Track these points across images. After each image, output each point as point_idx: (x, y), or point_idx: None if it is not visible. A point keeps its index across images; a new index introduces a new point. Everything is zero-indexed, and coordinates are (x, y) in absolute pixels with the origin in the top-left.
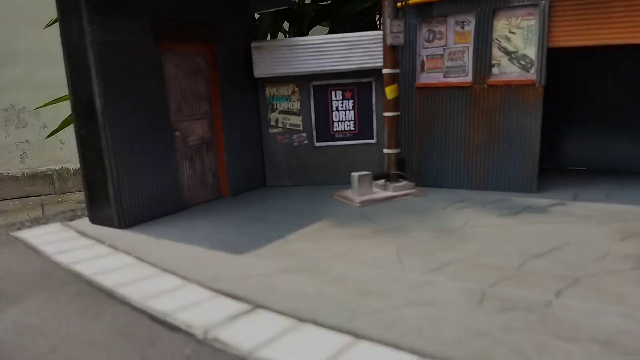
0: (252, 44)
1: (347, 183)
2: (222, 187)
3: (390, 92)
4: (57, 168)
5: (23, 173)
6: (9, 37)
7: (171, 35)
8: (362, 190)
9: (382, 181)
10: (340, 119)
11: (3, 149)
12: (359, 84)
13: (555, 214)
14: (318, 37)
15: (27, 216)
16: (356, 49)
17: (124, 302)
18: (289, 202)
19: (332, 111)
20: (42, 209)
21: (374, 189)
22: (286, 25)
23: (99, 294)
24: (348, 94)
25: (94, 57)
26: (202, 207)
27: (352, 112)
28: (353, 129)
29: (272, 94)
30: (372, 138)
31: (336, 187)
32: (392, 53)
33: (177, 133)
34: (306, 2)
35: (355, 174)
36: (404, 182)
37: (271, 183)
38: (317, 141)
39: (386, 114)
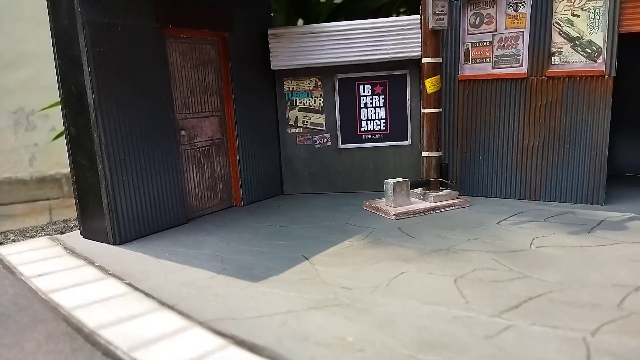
0: (270, 31)
1: (376, 191)
2: (234, 195)
3: (430, 85)
4: (65, 172)
5: (31, 176)
6: (19, 39)
7: (177, 18)
8: (398, 200)
9: (419, 190)
10: (370, 117)
11: (12, 151)
12: (391, 76)
13: (638, 231)
14: (345, 23)
15: (23, 224)
16: (389, 37)
17: (107, 353)
18: (311, 214)
19: (360, 108)
20: (50, 213)
21: (412, 199)
22: (300, 23)
23: (77, 337)
24: (378, 89)
25: (85, 42)
26: (211, 219)
27: (382, 109)
28: (384, 128)
29: (291, 89)
30: (406, 139)
31: (364, 196)
32: (434, 39)
33: (183, 132)
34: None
35: (389, 182)
36: (446, 191)
37: (289, 190)
38: (342, 143)
39: (425, 110)
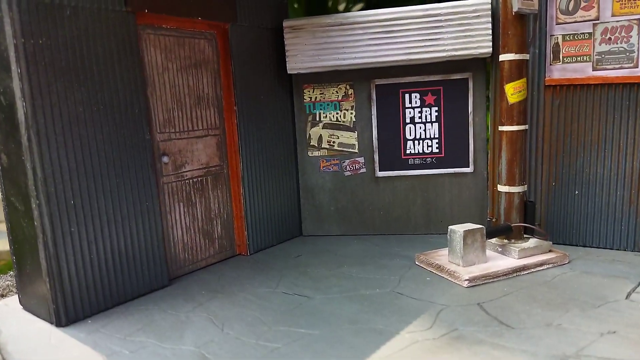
0: (286, 23)
1: (425, 233)
2: (237, 241)
3: (514, 91)
4: None
5: None
6: None
7: (157, 1)
8: (469, 256)
9: (494, 239)
10: (418, 136)
11: None
12: (447, 82)
13: None
14: (387, 11)
15: None
16: (447, 27)
17: None
18: (341, 271)
19: (405, 124)
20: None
21: (488, 253)
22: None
23: None
24: (430, 98)
25: (14, 30)
26: (204, 278)
27: (435, 125)
28: (437, 151)
29: (314, 99)
30: (467, 165)
31: (410, 241)
32: (520, 27)
33: (166, 159)
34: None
35: (457, 230)
36: (533, 241)
37: (310, 231)
38: (380, 169)
39: (505, 127)
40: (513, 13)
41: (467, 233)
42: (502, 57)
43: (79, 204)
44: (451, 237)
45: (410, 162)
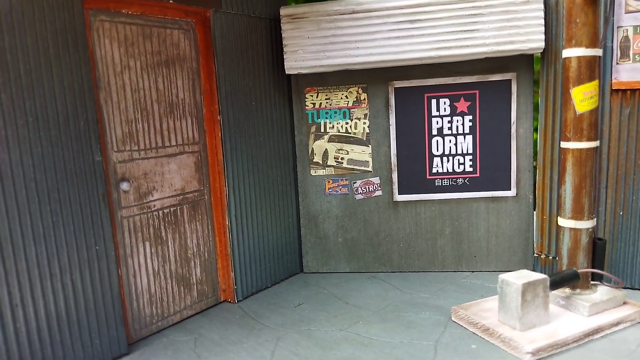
0: (283, 11)
1: (455, 271)
2: (222, 285)
3: (583, 97)
4: None
5: None
6: None
7: None
8: (529, 316)
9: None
10: (447, 152)
11: None
12: (485, 84)
13: None
14: None
15: None
16: (487, 17)
17: None
18: (356, 330)
19: (432, 137)
20: None
21: (551, 309)
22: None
23: None
24: (463, 105)
25: None
26: (176, 342)
27: (470, 138)
28: (471, 169)
29: (317, 106)
30: (509, 188)
31: (437, 282)
32: (592, 14)
33: (126, 185)
34: None
35: (513, 281)
36: (603, 290)
37: (313, 267)
38: (399, 192)
39: (571, 144)
40: None
41: (526, 287)
42: (569, 53)
43: None
44: (503, 290)
45: (437, 183)
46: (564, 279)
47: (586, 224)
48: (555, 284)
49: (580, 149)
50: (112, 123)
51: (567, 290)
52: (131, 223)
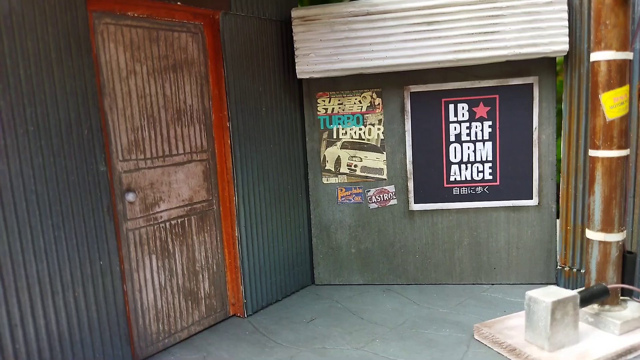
0: (295, 13)
1: (475, 284)
2: (230, 299)
3: (613, 103)
4: None
5: None
6: None
7: None
8: (558, 335)
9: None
10: (465, 159)
11: None
12: (505, 89)
13: None
14: None
15: None
16: (508, 18)
17: None
18: (373, 349)
19: (450, 143)
20: None
21: (582, 328)
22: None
23: None
24: (482, 110)
25: None
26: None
27: (489, 145)
28: (490, 177)
29: (330, 111)
30: (530, 197)
31: (456, 295)
32: (622, 15)
33: (131, 196)
34: None
35: (542, 299)
36: (635, 307)
37: (325, 279)
38: (415, 201)
39: (601, 153)
40: None
41: (556, 305)
42: (598, 57)
43: None
44: (531, 307)
45: (455, 192)
46: (593, 295)
47: (616, 237)
48: (584, 301)
49: (610, 158)
50: (117, 131)
51: (596, 306)
52: (137, 236)
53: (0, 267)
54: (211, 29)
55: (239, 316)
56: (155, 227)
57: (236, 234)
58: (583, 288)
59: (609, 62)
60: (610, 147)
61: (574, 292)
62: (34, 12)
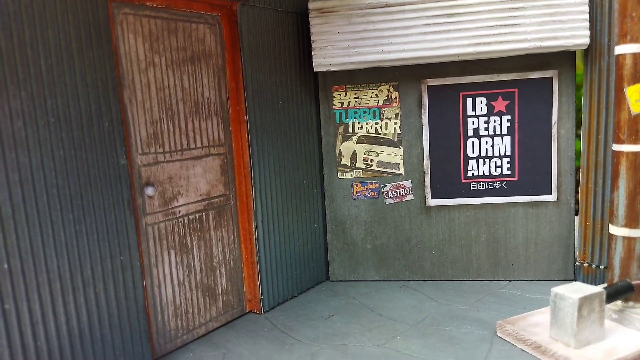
0: (312, 4)
1: (492, 280)
2: (247, 295)
3: (638, 97)
4: None
5: None
6: None
7: None
8: (585, 332)
9: (611, 302)
10: (483, 154)
11: None
12: (524, 82)
13: None
14: None
15: None
16: (529, 10)
17: None
18: (397, 351)
19: (467, 138)
20: None
21: (606, 324)
22: None
23: None
24: (500, 104)
25: None
26: (203, 357)
27: (508, 139)
28: (508, 173)
29: (346, 105)
30: (549, 192)
31: (474, 292)
32: None
33: (151, 190)
34: None
35: (568, 295)
36: None
37: (340, 275)
38: (432, 197)
39: (626, 147)
40: None
41: (583, 301)
42: (623, 50)
43: (17, 267)
44: (557, 304)
45: (472, 187)
46: (618, 292)
47: None
48: (609, 297)
49: (636, 152)
50: (136, 124)
51: (619, 303)
52: (156, 230)
53: (22, 263)
54: (228, 20)
55: (256, 312)
56: (174, 221)
57: (253, 229)
58: (605, 284)
59: (634, 55)
60: (635, 142)
61: (599, 288)
62: (54, 3)
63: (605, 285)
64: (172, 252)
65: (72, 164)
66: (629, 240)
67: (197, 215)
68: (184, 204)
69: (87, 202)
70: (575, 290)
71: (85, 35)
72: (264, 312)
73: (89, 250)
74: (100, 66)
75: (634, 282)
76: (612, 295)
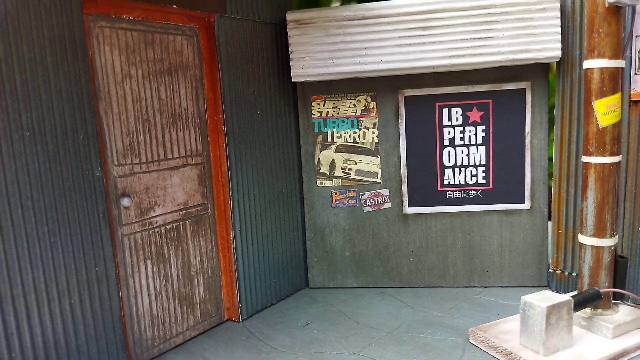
0: (290, 16)
1: (468, 286)
2: (225, 303)
3: (606, 110)
4: None
5: None
6: None
7: None
8: (553, 340)
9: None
10: (459, 163)
11: None
12: (498, 94)
13: None
14: (424, 1)
15: None
16: (502, 24)
17: None
18: (370, 353)
19: (443, 147)
20: None
21: (575, 331)
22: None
23: None
24: (475, 114)
25: None
26: None
27: (482, 149)
28: (483, 181)
29: (324, 114)
30: (522, 200)
31: (450, 298)
32: (615, 24)
33: (127, 201)
34: None
35: (537, 304)
36: (626, 310)
37: (319, 282)
38: (409, 205)
39: (594, 159)
40: (606, 5)
41: (551, 309)
42: (591, 64)
43: None
44: (526, 312)
45: (448, 195)
46: (587, 300)
47: (608, 242)
48: (578, 305)
49: (603, 164)
50: (112, 135)
51: (588, 310)
52: (132, 241)
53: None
54: (206, 32)
55: (234, 320)
56: (151, 232)
57: (231, 238)
58: (575, 292)
59: (602, 69)
60: (602, 154)
61: (568, 297)
62: (30, 16)
63: (574, 293)
64: (149, 262)
65: (46, 176)
66: (597, 249)
67: (174, 225)
68: (161, 214)
69: (62, 215)
70: (544, 299)
71: (60, 49)
72: (242, 320)
73: (64, 262)
74: (76, 79)
75: (602, 290)
76: (581, 303)
